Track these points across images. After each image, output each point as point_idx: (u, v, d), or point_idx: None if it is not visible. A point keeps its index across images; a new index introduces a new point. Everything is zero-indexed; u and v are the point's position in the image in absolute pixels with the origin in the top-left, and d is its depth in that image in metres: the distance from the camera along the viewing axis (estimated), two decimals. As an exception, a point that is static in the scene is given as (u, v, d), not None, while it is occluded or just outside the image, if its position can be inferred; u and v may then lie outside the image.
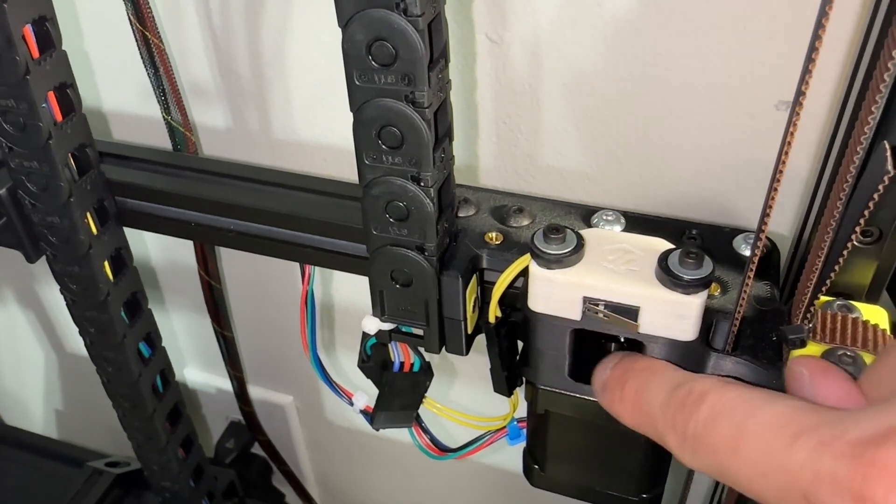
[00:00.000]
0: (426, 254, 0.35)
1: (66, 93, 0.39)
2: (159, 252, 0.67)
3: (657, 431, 0.27)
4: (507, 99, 0.45)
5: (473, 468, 0.71)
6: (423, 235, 0.34)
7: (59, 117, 0.39)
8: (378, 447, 0.75)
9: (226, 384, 0.71)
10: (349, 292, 0.60)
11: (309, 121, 0.52)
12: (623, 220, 0.37)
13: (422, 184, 0.33)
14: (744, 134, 0.41)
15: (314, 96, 0.50)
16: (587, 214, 0.38)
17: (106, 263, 0.44)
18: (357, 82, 0.31)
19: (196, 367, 0.77)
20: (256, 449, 0.79)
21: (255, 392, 0.74)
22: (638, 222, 0.37)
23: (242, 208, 0.41)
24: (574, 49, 0.41)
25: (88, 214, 0.42)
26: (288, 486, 0.81)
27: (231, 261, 0.63)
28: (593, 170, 0.46)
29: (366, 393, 0.44)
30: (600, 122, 0.43)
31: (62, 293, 0.45)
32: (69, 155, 0.40)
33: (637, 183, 0.45)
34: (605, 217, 0.37)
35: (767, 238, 0.36)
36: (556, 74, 0.42)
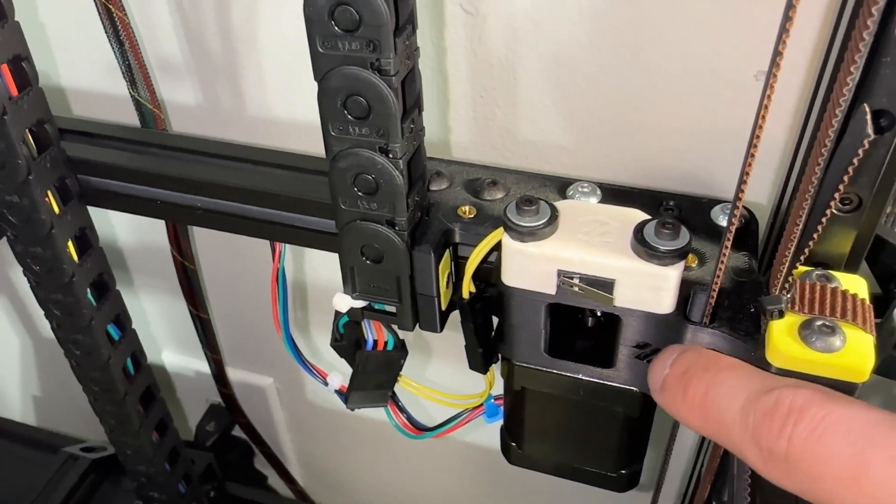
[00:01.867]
0: (397, 228, 0.34)
1: (21, 66, 0.37)
2: (132, 234, 0.66)
3: (732, 442, 0.24)
4: (483, 72, 0.44)
5: (455, 447, 0.70)
6: (393, 209, 0.33)
7: (14, 91, 0.37)
8: (360, 427, 0.75)
9: (204, 367, 0.70)
10: (323, 270, 0.59)
11: (283, 96, 0.51)
12: (599, 192, 0.36)
13: (390, 155, 0.32)
14: (723, 105, 0.40)
15: (288, 71, 0.49)
16: (563, 186, 0.37)
17: (70, 244, 0.43)
18: (320, 49, 0.30)
19: (174, 350, 0.76)
20: (237, 432, 0.78)
21: (235, 374, 0.73)
22: (614, 194, 0.36)
23: (209, 185, 0.39)
24: (551, 21, 0.40)
25: (49, 193, 0.41)
26: (270, 468, 0.81)
27: (205, 241, 0.62)
28: (572, 144, 0.45)
29: (341, 373, 0.44)
30: (578, 96, 0.42)
31: (25, 275, 0.44)
32: (27, 131, 0.39)
33: (616, 156, 0.45)
34: (580, 189, 0.36)
35: (745, 208, 0.35)
36: (533, 47, 0.41)
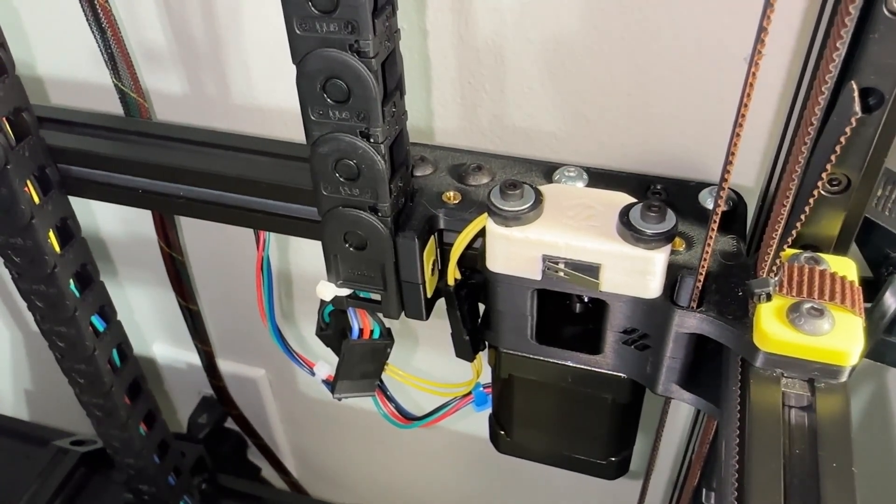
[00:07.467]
0: (380, 214, 0.33)
1: (-4, 53, 0.37)
2: (120, 225, 0.65)
3: None
4: (470, 57, 0.43)
5: (446, 436, 0.70)
6: (375, 195, 0.33)
7: (-12, 79, 0.37)
8: (353, 418, 0.74)
9: (195, 359, 0.70)
10: (310, 259, 0.59)
11: (268, 84, 0.50)
12: (586, 176, 0.36)
13: (371, 140, 0.31)
14: (712, 88, 0.39)
15: (273, 58, 0.48)
16: (549, 171, 0.36)
17: (51, 234, 0.42)
18: (298, 31, 0.29)
19: (165, 342, 0.76)
20: (230, 424, 0.78)
21: (227, 366, 0.73)
22: (602, 178, 0.36)
23: (190, 172, 0.39)
24: (540, 6, 0.39)
25: (29, 182, 0.40)
26: (263, 459, 0.81)
27: (193, 231, 0.61)
28: (561, 129, 0.45)
29: (328, 362, 0.43)
30: (567, 80, 0.42)
31: (6, 266, 0.43)
32: (3, 119, 0.38)
33: (605, 142, 0.44)
34: (567, 173, 0.36)
35: (733, 191, 0.35)
36: (521, 32, 0.41)
